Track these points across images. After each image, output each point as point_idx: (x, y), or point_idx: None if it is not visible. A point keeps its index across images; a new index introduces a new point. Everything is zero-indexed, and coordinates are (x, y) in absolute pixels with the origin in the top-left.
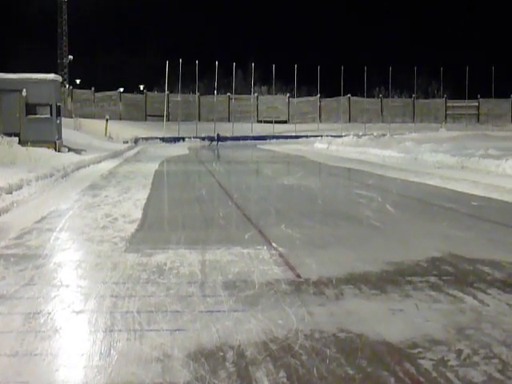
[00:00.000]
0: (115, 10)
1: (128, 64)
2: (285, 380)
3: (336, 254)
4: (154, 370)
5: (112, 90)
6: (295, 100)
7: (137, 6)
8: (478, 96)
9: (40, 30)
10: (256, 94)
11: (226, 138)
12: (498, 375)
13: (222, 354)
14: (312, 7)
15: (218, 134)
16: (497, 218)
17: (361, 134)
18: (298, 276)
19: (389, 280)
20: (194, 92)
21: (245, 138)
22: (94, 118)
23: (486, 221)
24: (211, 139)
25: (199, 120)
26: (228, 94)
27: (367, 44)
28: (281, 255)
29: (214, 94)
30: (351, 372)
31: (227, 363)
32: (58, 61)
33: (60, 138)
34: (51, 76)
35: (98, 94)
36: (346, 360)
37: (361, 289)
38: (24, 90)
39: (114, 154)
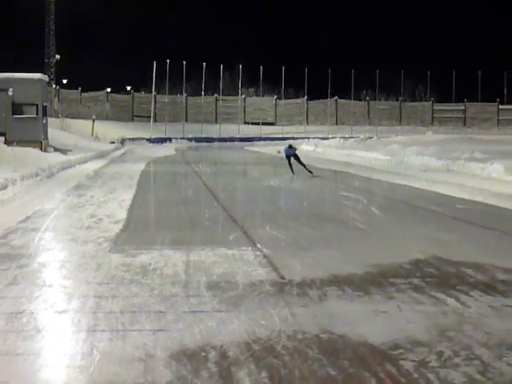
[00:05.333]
0: (103, 10)
1: (115, 64)
2: (266, 380)
3: (320, 255)
4: (136, 369)
5: (99, 91)
6: (282, 102)
7: (125, 6)
8: (465, 100)
9: (27, 29)
10: (243, 96)
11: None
12: (478, 376)
13: (204, 354)
14: (300, 9)
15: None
16: (481, 221)
17: (347, 136)
18: (282, 277)
19: (372, 282)
20: (181, 93)
21: (232, 140)
22: (81, 118)
23: (470, 224)
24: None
25: (186, 121)
26: (215, 95)
27: (355, 47)
28: (265, 256)
29: (201, 95)
30: (333, 373)
31: (209, 363)
32: (45, 60)
33: (46, 137)
34: (38, 75)
35: (85, 94)
36: (327, 361)
37: (344, 290)
38: (10, 89)
39: (101, 155)
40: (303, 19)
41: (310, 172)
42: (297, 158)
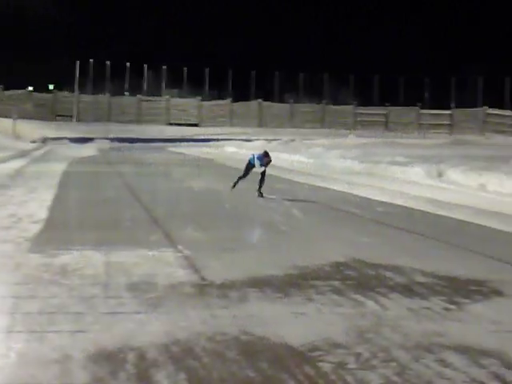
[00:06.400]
0: (28, 7)
1: (38, 63)
2: (185, 382)
3: (241, 257)
4: (52, 371)
5: (21, 89)
6: (206, 103)
7: (48, 3)
8: (387, 104)
9: None
10: (167, 97)
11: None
12: (395, 378)
13: (122, 355)
14: (223, 9)
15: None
16: (400, 223)
17: (271, 138)
18: (203, 279)
19: (292, 284)
20: (104, 93)
21: (155, 141)
22: (3, 116)
23: (390, 226)
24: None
25: (110, 121)
26: (138, 95)
27: (279, 49)
28: (186, 258)
29: (124, 95)
30: (252, 374)
31: (128, 365)
32: None
33: None
34: None
35: (8, 93)
36: (247, 362)
37: (264, 292)
38: None
39: (22, 154)
40: (226, 20)
41: (261, 194)
42: (264, 171)
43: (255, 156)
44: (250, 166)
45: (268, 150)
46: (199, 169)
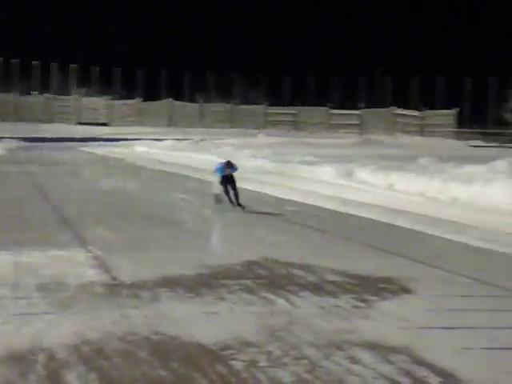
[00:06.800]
0: None
1: None
2: (96, 383)
3: (153, 257)
4: None
5: None
6: (116, 102)
7: None
8: (297, 104)
9: None
10: (76, 96)
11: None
12: (306, 376)
13: (33, 357)
14: (133, 9)
15: None
16: (311, 222)
17: (181, 138)
18: (114, 278)
19: (204, 283)
20: (11, 92)
21: (65, 140)
22: None
23: (300, 225)
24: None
25: (18, 121)
26: (46, 94)
27: (190, 48)
28: (96, 258)
29: (32, 94)
30: (163, 374)
31: (38, 366)
32: None
33: None
34: None
35: None
36: (158, 362)
37: (176, 292)
38: None
39: None
40: (137, 19)
41: (242, 206)
42: (234, 182)
43: (217, 167)
44: (221, 182)
45: (230, 160)
46: (109, 168)
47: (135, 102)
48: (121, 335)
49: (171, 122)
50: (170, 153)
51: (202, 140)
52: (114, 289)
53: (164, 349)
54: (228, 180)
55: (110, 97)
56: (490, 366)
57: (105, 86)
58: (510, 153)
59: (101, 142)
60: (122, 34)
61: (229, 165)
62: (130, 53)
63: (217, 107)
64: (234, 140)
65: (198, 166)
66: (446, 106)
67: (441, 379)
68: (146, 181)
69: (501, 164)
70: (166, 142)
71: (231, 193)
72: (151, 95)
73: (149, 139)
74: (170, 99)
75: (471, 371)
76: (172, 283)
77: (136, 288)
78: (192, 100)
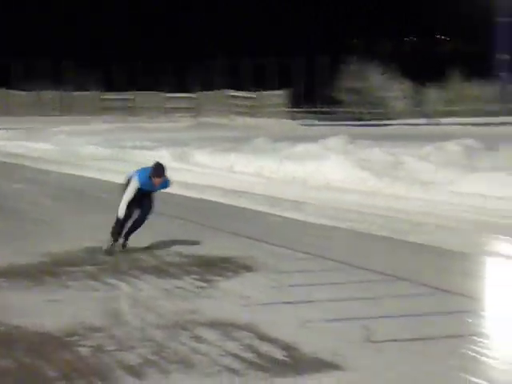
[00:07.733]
0: None
1: None
2: None
3: None
4: None
5: None
6: None
7: None
8: (133, 89)
9: None
10: None
11: None
12: (153, 357)
13: None
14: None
15: None
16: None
17: (14, 127)
18: None
19: (46, 271)
20: None
21: None
22: None
23: None
24: None
25: None
26: None
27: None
28: None
29: None
30: (8, 364)
31: None
32: None
33: None
34: None
35: None
36: (1, 353)
37: (18, 281)
38: None
39: None
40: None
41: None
42: (150, 204)
43: (138, 174)
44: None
45: (161, 163)
46: None
47: None
48: None
49: (5, 111)
50: (1, 142)
51: (36, 128)
52: None
53: (7, 339)
54: (143, 198)
55: None
56: (332, 337)
57: None
58: (341, 130)
59: None
60: None
61: (158, 173)
62: None
63: (49, 94)
64: (68, 127)
65: (34, 155)
66: (280, 87)
67: (285, 353)
68: None
69: (331, 141)
70: None
71: (132, 221)
72: None
73: None
74: (3, 88)
75: (315, 343)
76: (13, 273)
77: None
78: (26, 89)
